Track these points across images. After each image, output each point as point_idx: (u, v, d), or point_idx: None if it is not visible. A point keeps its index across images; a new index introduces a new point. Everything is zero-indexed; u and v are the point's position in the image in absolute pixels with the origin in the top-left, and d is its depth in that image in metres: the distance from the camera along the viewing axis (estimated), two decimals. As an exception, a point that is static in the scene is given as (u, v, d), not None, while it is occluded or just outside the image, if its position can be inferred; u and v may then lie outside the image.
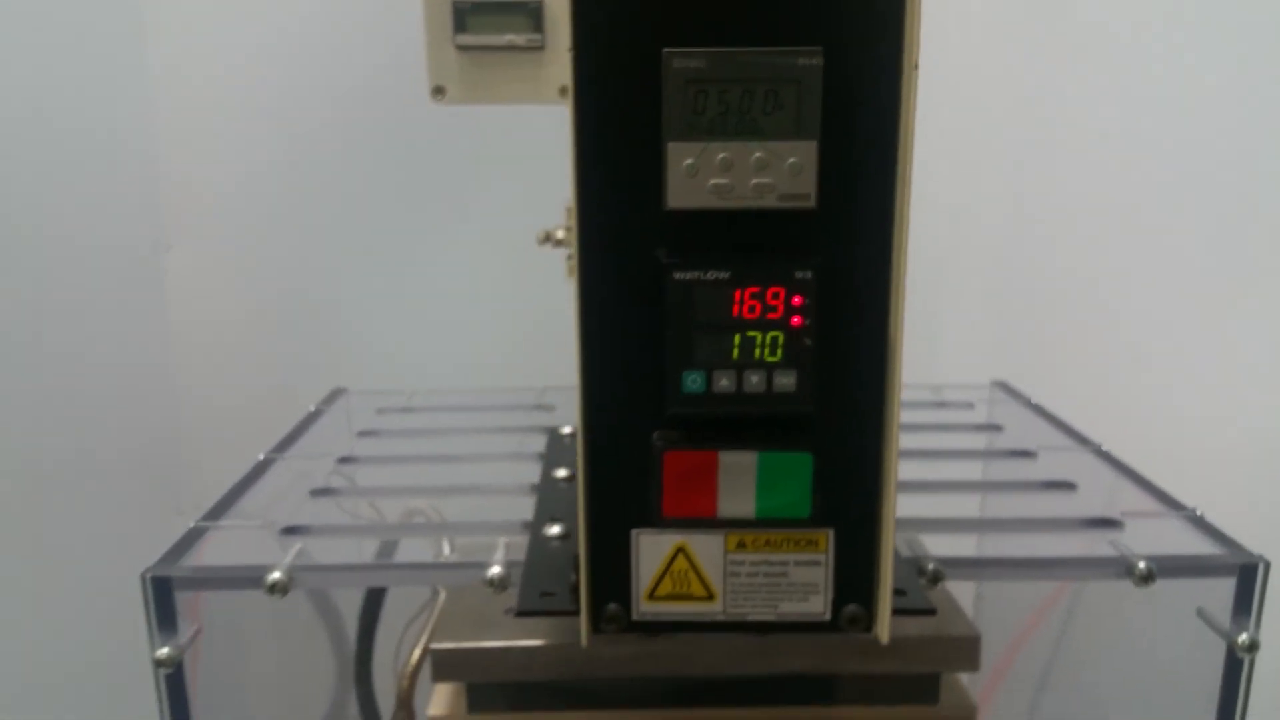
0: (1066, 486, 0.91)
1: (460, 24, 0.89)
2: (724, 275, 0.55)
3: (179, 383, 1.50)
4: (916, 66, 0.54)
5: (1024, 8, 1.44)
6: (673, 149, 0.54)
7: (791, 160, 0.54)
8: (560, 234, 1.02)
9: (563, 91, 0.93)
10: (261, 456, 0.97)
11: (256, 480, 0.93)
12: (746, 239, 0.56)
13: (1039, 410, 1.12)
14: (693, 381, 0.55)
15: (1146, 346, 1.31)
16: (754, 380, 0.55)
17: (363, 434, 1.05)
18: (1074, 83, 1.38)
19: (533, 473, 0.93)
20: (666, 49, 0.54)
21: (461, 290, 1.52)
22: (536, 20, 0.91)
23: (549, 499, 0.83)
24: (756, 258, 0.55)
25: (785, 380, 0.55)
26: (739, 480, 0.56)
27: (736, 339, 0.55)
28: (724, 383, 0.55)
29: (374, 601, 1.02)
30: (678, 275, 0.55)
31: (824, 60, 0.53)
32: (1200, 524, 0.79)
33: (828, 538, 0.59)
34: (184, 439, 1.51)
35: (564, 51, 0.93)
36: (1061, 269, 1.44)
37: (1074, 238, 1.41)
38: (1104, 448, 0.98)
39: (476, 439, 1.02)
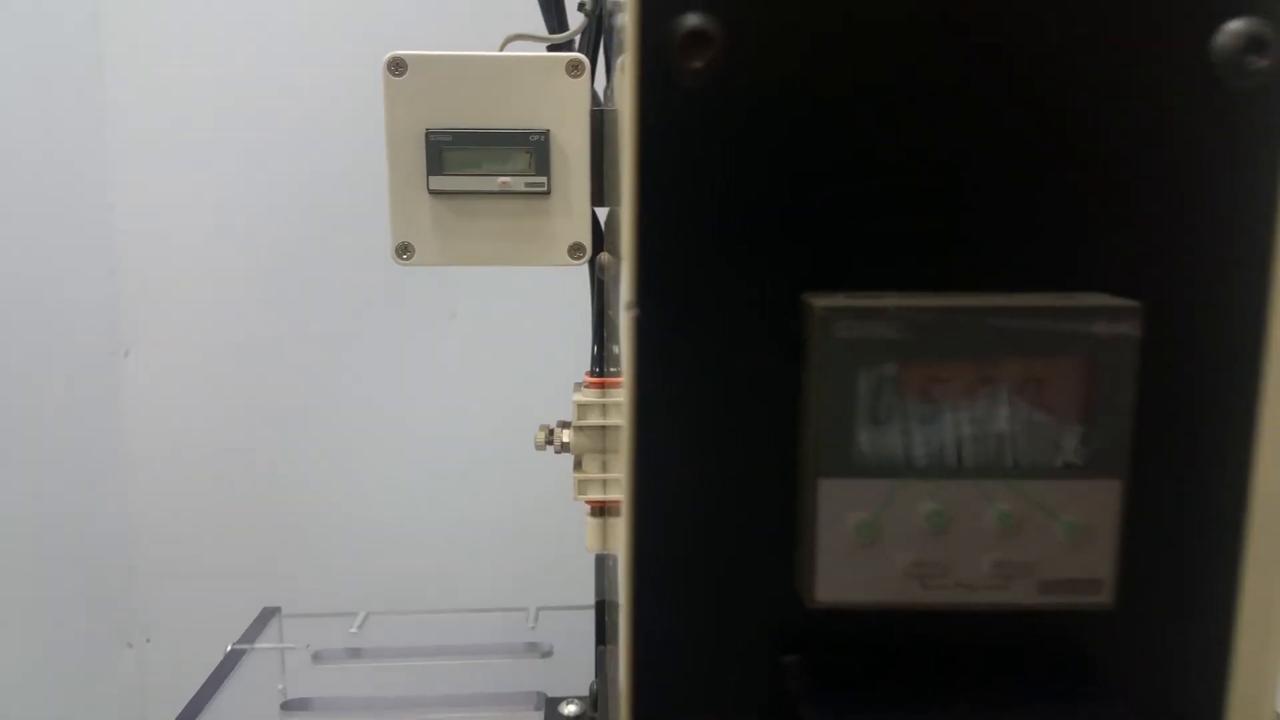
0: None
1: (436, 162, 0.64)
2: (934, 747, 0.27)
3: (132, 502, 1.31)
4: (1310, 339, 0.27)
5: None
6: (829, 491, 0.27)
7: (1070, 517, 0.27)
8: (567, 436, 0.75)
9: (574, 250, 0.67)
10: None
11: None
12: (974, 664, 0.28)
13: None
14: None
15: None
16: None
17: (289, 706, 0.76)
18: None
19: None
20: (817, 299, 0.27)
21: (443, 424, 1.29)
22: (540, 157, 0.65)
23: None
24: (993, 703, 0.28)
25: None
26: None
27: None
28: None
29: None
30: (839, 744, 0.27)
31: (1143, 329, 0.27)
32: None
33: None
34: (137, 565, 1.31)
35: (575, 198, 0.68)
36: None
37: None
38: None
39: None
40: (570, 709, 0.73)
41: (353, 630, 0.87)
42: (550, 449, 0.75)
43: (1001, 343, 0.27)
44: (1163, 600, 0.28)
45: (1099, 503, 0.27)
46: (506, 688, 0.78)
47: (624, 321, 0.26)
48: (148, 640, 1.32)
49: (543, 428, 0.76)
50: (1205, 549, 0.28)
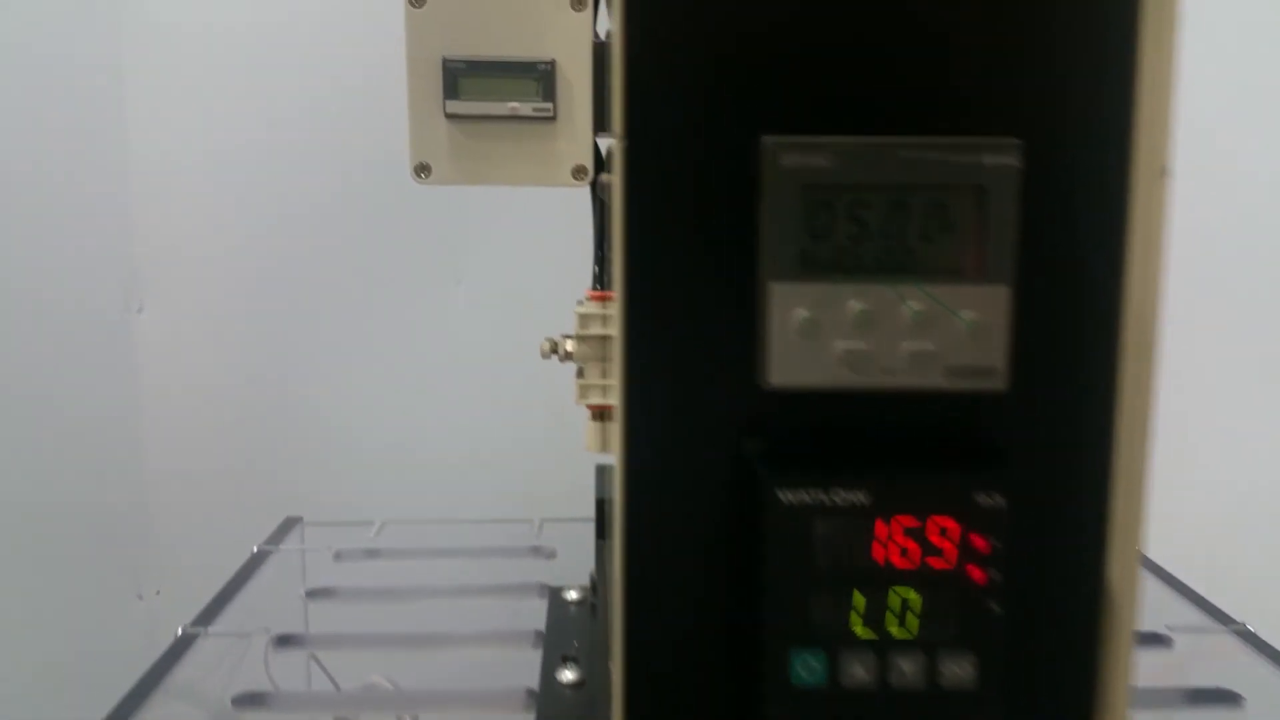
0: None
1: (452, 88, 0.70)
2: (859, 497, 0.34)
3: (146, 454, 1.33)
4: (1165, 171, 0.34)
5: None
6: (779, 294, 0.34)
7: (969, 315, 0.34)
8: (570, 346, 0.81)
9: (577, 172, 0.74)
10: (181, 631, 0.76)
11: (173, 666, 0.71)
12: (896, 439, 0.35)
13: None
14: (806, 667, 0.34)
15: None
16: (906, 668, 0.34)
17: (313, 594, 0.83)
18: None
19: (529, 664, 0.71)
20: (769, 137, 0.34)
21: (449, 379, 1.33)
22: (547, 85, 0.71)
23: (553, 722, 0.61)
24: (912, 470, 0.34)
25: (958, 669, 0.34)
26: (879, 829, 0.35)
27: (879, 601, 0.34)
28: (857, 671, 0.34)
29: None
30: (784, 495, 0.34)
31: (1023, 160, 0.33)
32: None
33: None
34: (149, 517, 1.34)
35: (579, 123, 0.75)
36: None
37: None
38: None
39: (456, 606, 0.80)
40: (572, 594, 0.80)
41: (371, 535, 0.94)
42: (555, 358, 0.81)
43: (911, 171, 0.33)
44: (1048, 384, 0.35)
45: (992, 303, 0.34)
46: (513, 583, 0.85)
47: (616, 151, 0.33)
48: (157, 592, 1.34)
49: (548, 339, 0.83)
50: (1090, 336, 0.35)
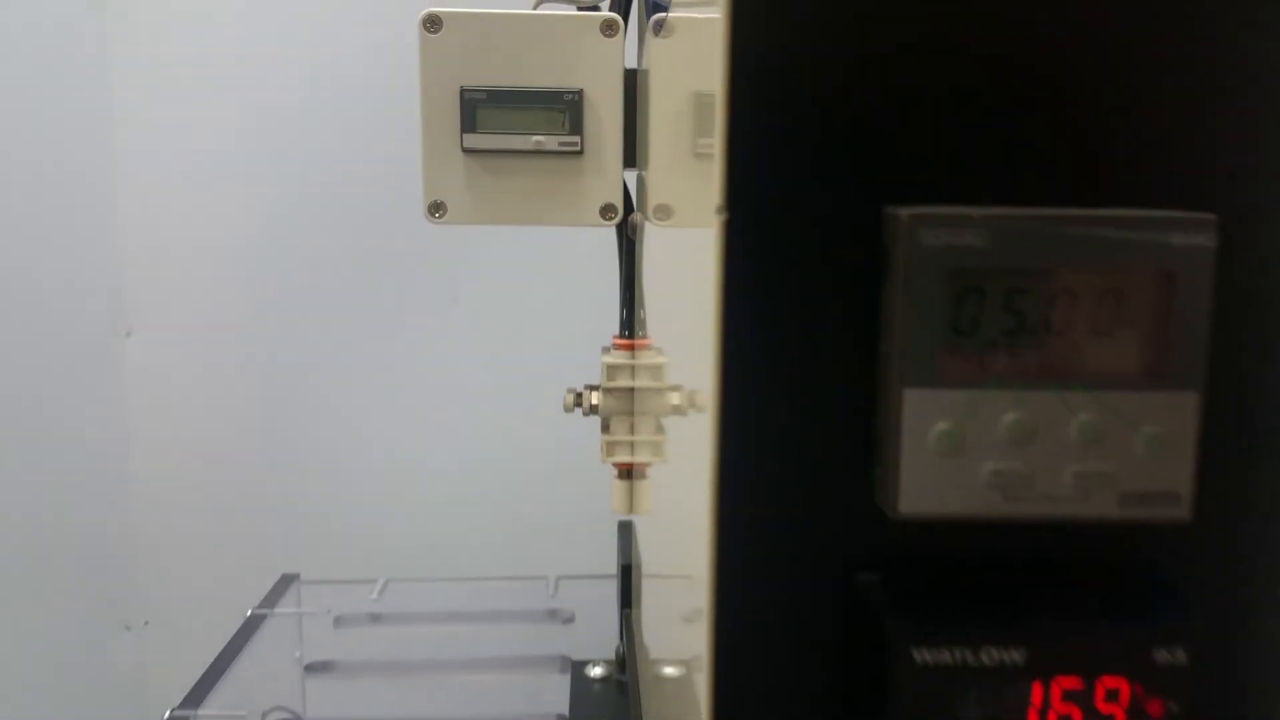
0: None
1: (470, 120, 0.64)
2: (1014, 656, 0.27)
3: (135, 480, 1.29)
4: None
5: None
6: (914, 402, 0.27)
7: (1150, 429, 0.27)
8: (595, 399, 0.75)
9: (605, 211, 0.67)
10: (169, 715, 0.68)
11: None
12: (1055, 581, 0.29)
13: None
14: None
15: None
16: None
17: (312, 668, 0.76)
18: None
19: (554, 754, 0.65)
20: (903, 209, 0.27)
21: (450, 404, 1.27)
22: (574, 117, 0.65)
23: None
24: (1077, 621, 0.28)
25: None
26: None
27: (1038, 783, 0.27)
28: None
29: None
30: (920, 654, 0.27)
31: (1221, 241, 0.27)
32: None
33: None
34: (138, 546, 1.29)
35: (608, 159, 0.68)
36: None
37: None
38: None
39: (469, 684, 0.74)
40: (596, 670, 0.74)
41: (372, 597, 0.87)
42: (579, 411, 0.74)
43: (1082, 252, 0.27)
44: (1239, 514, 0.28)
45: (1177, 414, 0.27)
46: (529, 653, 0.79)
47: (714, 225, 0.27)
48: (146, 623, 1.31)
49: (570, 390, 0.76)
50: (1275, 461, 0.28)
